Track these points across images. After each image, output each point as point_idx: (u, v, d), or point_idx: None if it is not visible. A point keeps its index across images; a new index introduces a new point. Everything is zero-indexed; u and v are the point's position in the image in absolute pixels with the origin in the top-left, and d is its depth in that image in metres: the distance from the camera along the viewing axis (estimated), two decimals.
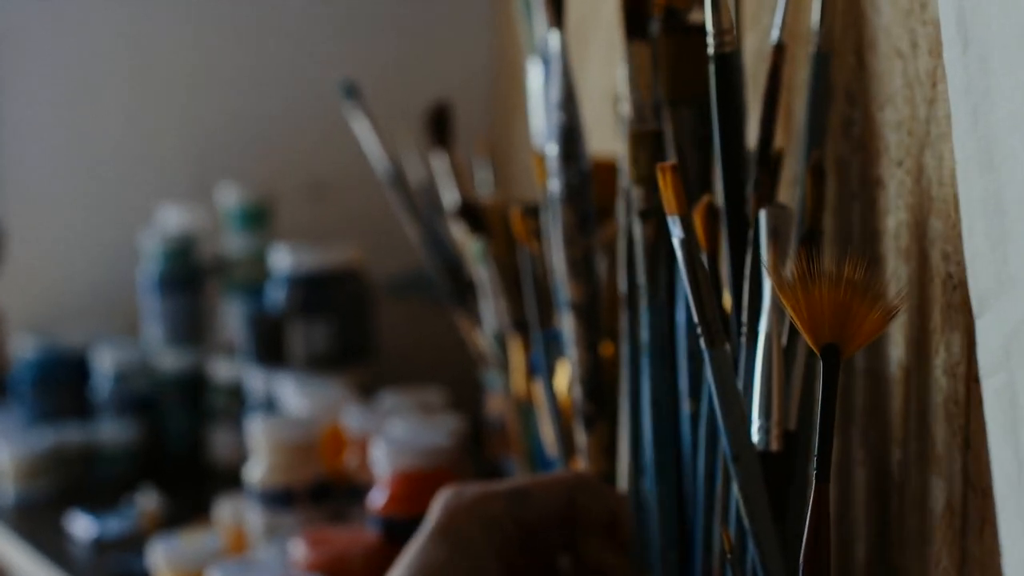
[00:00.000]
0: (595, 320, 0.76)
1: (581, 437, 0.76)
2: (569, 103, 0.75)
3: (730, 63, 0.61)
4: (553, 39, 0.77)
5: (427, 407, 1.14)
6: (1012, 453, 0.43)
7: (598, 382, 0.75)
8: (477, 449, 1.13)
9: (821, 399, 0.48)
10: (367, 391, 1.26)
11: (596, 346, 0.76)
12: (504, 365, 0.93)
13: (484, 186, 1.06)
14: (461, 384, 1.27)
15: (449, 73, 1.55)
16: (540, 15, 0.88)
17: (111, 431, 1.38)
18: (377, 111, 1.08)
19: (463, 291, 1.01)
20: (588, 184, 0.75)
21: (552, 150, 0.76)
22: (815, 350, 0.48)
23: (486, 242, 0.92)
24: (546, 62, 0.86)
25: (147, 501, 1.24)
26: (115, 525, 1.22)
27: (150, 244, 1.44)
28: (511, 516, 0.66)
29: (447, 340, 1.23)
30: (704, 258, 0.62)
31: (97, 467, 1.37)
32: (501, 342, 0.93)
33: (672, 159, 0.67)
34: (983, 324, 0.45)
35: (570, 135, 0.75)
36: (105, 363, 1.41)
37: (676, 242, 0.56)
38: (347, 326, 1.34)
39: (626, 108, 0.69)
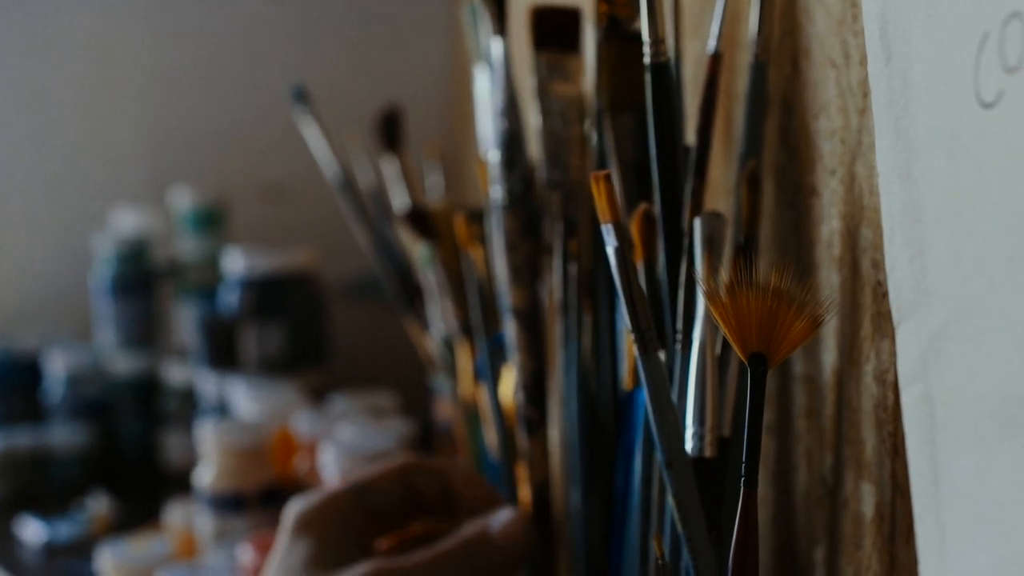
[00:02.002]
0: (538, 326, 0.76)
1: (524, 442, 0.76)
2: (511, 110, 0.76)
3: (666, 72, 0.62)
4: (496, 47, 0.77)
5: (377, 411, 1.15)
6: (928, 462, 0.44)
7: (541, 388, 0.76)
8: (427, 453, 1.14)
9: (748, 406, 0.49)
10: (320, 395, 1.26)
11: (540, 352, 0.76)
12: (452, 369, 0.93)
13: (435, 191, 1.06)
14: (413, 388, 1.28)
15: (403, 78, 1.55)
16: (485, 22, 0.88)
17: (63, 435, 1.38)
18: (331, 116, 1.08)
19: (412, 296, 1.01)
20: (530, 190, 0.75)
21: (495, 156, 0.76)
22: (742, 358, 0.48)
23: (434, 246, 0.92)
24: (492, 68, 0.87)
25: (98, 506, 1.24)
26: (65, 530, 1.21)
27: (103, 247, 1.44)
28: (359, 509, 0.69)
29: (400, 344, 1.23)
30: (640, 266, 0.62)
31: (48, 471, 1.37)
32: (449, 346, 0.93)
33: (612, 168, 0.68)
34: (902, 334, 0.46)
35: (512, 142, 0.75)
36: (57, 367, 1.41)
37: (610, 250, 0.56)
38: (300, 330, 1.34)
39: (537, 118, 0.70)
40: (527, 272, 0.76)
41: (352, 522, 0.68)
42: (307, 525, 0.68)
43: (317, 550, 0.66)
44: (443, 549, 0.68)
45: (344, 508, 0.68)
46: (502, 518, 0.69)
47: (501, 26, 0.77)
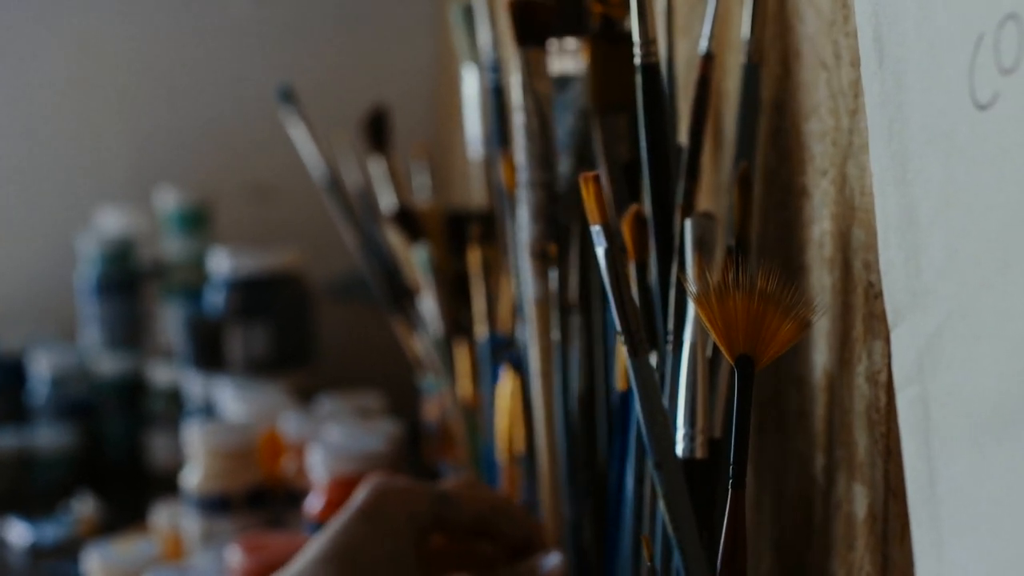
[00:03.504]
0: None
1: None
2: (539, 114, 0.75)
3: (656, 73, 0.62)
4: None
5: (365, 412, 1.14)
6: (924, 464, 0.44)
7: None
8: (414, 454, 1.13)
9: (736, 408, 0.49)
10: (306, 395, 1.26)
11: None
12: (449, 370, 0.93)
13: (422, 191, 1.06)
14: (400, 388, 1.27)
15: (389, 78, 1.55)
16: (483, 23, 0.88)
17: (48, 436, 1.37)
18: (318, 115, 1.07)
19: (400, 296, 1.01)
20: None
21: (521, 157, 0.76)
22: (730, 360, 0.48)
23: (428, 247, 0.92)
24: (493, 70, 0.87)
25: (84, 507, 1.23)
26: (51, 532, 1.21)
27: (88, 247, 1.43)
28: (433, 514, 0.69)
29: (387, 343, 1.23)
30: (632, 267, 0.62)
31: (33, 473, 1.36)
32: (445, 346, 0.93)
33: (601, 168, 0.68)
34: (898, 335, 0.46)
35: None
36: (42, 367, 1.40)
37: (600, 252, 0.56)
38: (286, 330, 1.34)
39: (520, 116, 0.70)
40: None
41: (420, 523, 0.68)
42: (377, 510, 0.67)
43: (376, 538, 0.66)
44: None
45: (418, 507, 0.68)
46: (551, 562, 0.70)
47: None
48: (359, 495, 0.69)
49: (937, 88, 0.43)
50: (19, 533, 1.21)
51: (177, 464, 1.18)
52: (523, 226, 0.73)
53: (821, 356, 0.63)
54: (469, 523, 0.70)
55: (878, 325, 0.56)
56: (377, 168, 1.03)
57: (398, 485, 0.69)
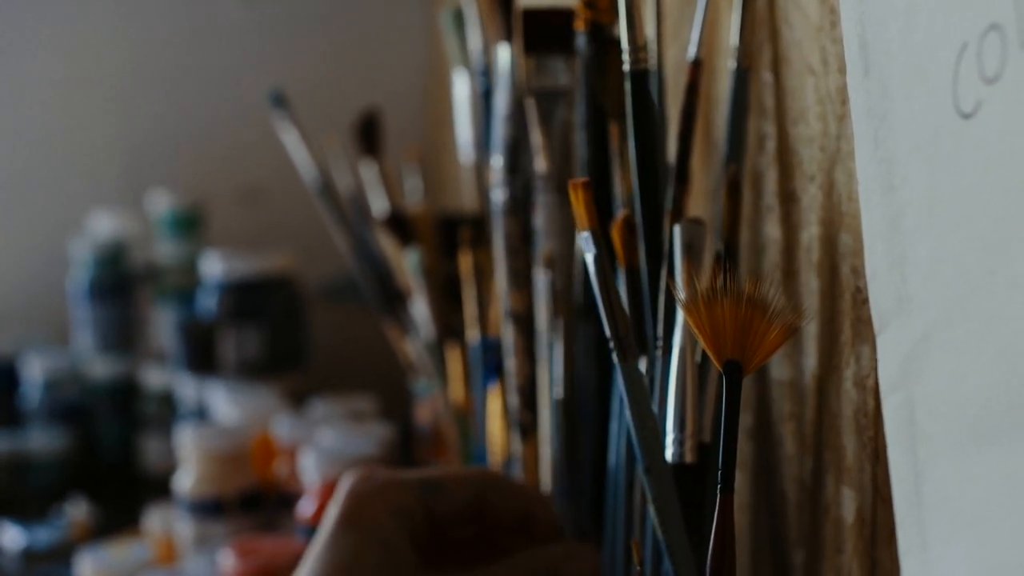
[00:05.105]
0: (536, 330, 0.76)
1: (517, 446, 0.76)
2: (515, 116, 0.76)
3: (645, 79, 0.62)
4: (503, 53, 0.77)
5: (357, 415, 1.15)
6: (910, 469, 0.44)
7: (535, 392, 0.76)
8: (407, 457, 1.14)
9: (724, 413, 0.49)
10: (299, 398, 1.26)
11: (535, 356, 0.76)
12: (440, 373, 0.93)
13: (414, 195, 1.06)
14: (392, 391, 1.28)
15: (382, 81, 1.56)
16: (474, 27, 0.88)
17: (41, 440, 1.37)
18: (309, 119, 1.08)
19: (392, 300, 1.01)
20: (531, 196, 0.75)
21: (498, 161, 0.76)
22: (718, 366, 0.49)
23: (419, 251, 0.92)
24: (483, 74, 0.87)
25: (77, 511, 1.23)
26: (44, 535, 1.21)
27: (80, 251, 1.43)
28: (422, 506, 0.62)
29: (379, 346, 1.23)
30: (622, 273, 0.63)
31: (26, 477, 1.36)
32: (437, 350, 0.93)
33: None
34: (883, 342, 0.46)
35: (516, 147, 0.76)
36: (34, 371, 1.40)
37: (589, 258, 0.56)
38: (279, 333, 1.34)
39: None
40: (527, 276, 0.76)
41: (409, 519, 0.61)
42: (359, 515, 0.60)
43: (364, 547, 0.60)
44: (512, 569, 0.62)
45: (405, 502, 0.62)
46: (580, 555, 0.63)
47: (508, 32, 0.77)
48: (337, 500, 0.62)
49: (922, 97, 0.44)
50: (12, 537, 1.21)
51: (170, 468, 1.19)
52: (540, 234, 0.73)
53: (809, 360, 0.63)
54: (462, 507, 0.63)
55: (866, 330, 0.57)
56: (369, 172, 1.03)
57: (377, 482, 0.62)
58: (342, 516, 0.61)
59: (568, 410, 0.70)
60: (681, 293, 0.55)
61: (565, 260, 0.72)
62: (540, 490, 0.71)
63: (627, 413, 0.57)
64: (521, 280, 0.76)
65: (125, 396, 1.42)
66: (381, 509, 0.61)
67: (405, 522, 0.61)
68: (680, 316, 0.60)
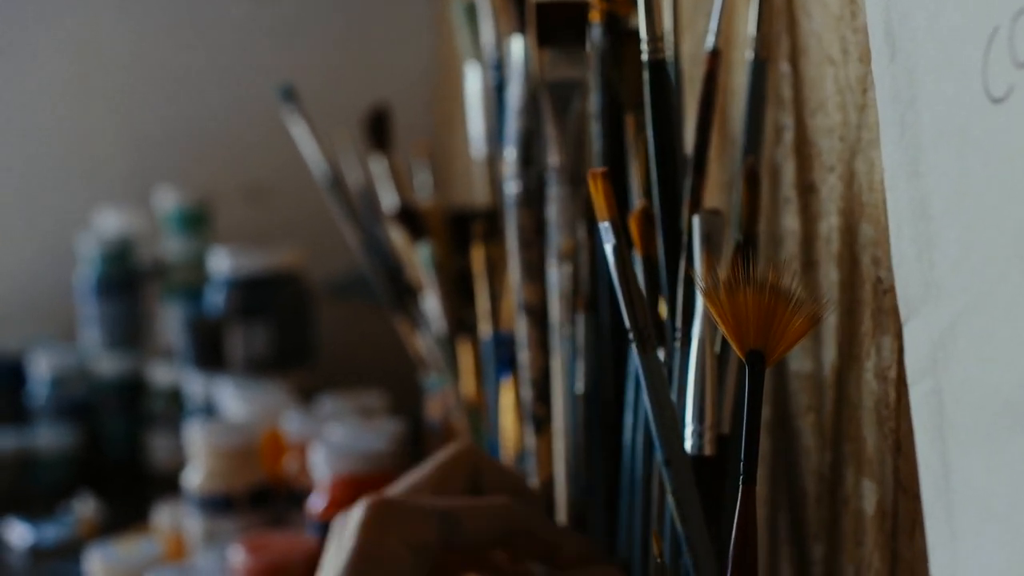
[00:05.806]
0: (549, 323, 0.75)
1: (531, 439, 0.76)
2: (530, 108, 0.75)
3: (663, 69, 0.62)
4: (516, 44, 0.77)
5: (367, 410, 1.14)
6: (938, 458, 0.44)
7: (549, 385, 0.75)
8: (417, 452, 1.13)
9: (747, 403, 0.49)
10: (307, 394, 1.25)
11: (550, 349, 0.76)
12: (452, 368, 0.93)
13: (424, 189, 1.06)
14: (402, 386, 1.27)
15: (390, 76, 1.55)
16: (487, 19, 0.88)
17: (48, 437, 1.37)
18: (317, 114, 1.07)
19: (402, 295, 1.01)
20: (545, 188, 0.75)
21: (511, 154, 0.76)
22: (740, 355, 0.48)
23: (431, 246, 0.92)
24: (496, 67, 0.86)
25: (84, 508, 1.23)
26: (52, 532, 1.21)
27: (87, 248, 1.43)
28: (442, 542, 0.60)
29: (388, 342, 1.22)
30: (640, 264, 0.62)
31: (34, 474, 1.36)
32: (448, 345, 0.93)
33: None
34: (910, 330, 0.46)
35: (530, 140, 0.75)
36: (42, 368, 1.40)
37: (608, 248, 0.56)
38: (287, 329, 1.34)
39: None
40: (540, 269, 0.75)
41: (428, 556, 0.59)
42: (378, 550, 0.58)
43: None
44: None
45: (424, 538, 0.59)
46: None
47: (521, 24, 0.76)
48: (352, 530, 0.59)
49: (950, 82, 0.43)
50: (20, 534, 1.21)
51: (178, 464, 1.18)
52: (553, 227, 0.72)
53: (829, 352, 0.63)
54: (480, 545, 0.62)
55: (887, 320, 0.56)
56: (378, 166, 1.03)
57: (395, 511, 0.60)
58: (359, 550, 0.58)
59: (589, 403, 0.69)
60: (702, 282, 0.55)
61: (577, 252, 0.72)
62: (568, 527, 0.68)
63: (646, 404, 0.57)
64: (535, 272, 0.75)
65: (133, 393, 1.42)
66: (399, 544, 0.59)
67: (423, 559, 0.59)
68: (700, 306, 0.59)
